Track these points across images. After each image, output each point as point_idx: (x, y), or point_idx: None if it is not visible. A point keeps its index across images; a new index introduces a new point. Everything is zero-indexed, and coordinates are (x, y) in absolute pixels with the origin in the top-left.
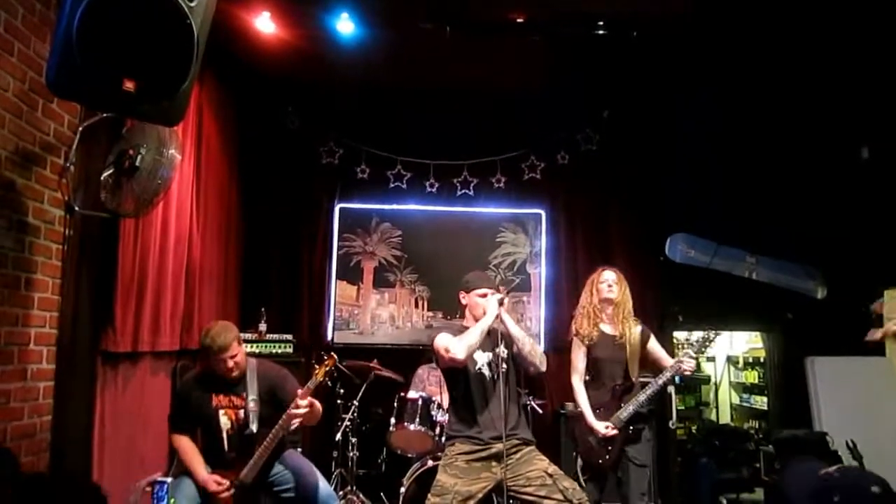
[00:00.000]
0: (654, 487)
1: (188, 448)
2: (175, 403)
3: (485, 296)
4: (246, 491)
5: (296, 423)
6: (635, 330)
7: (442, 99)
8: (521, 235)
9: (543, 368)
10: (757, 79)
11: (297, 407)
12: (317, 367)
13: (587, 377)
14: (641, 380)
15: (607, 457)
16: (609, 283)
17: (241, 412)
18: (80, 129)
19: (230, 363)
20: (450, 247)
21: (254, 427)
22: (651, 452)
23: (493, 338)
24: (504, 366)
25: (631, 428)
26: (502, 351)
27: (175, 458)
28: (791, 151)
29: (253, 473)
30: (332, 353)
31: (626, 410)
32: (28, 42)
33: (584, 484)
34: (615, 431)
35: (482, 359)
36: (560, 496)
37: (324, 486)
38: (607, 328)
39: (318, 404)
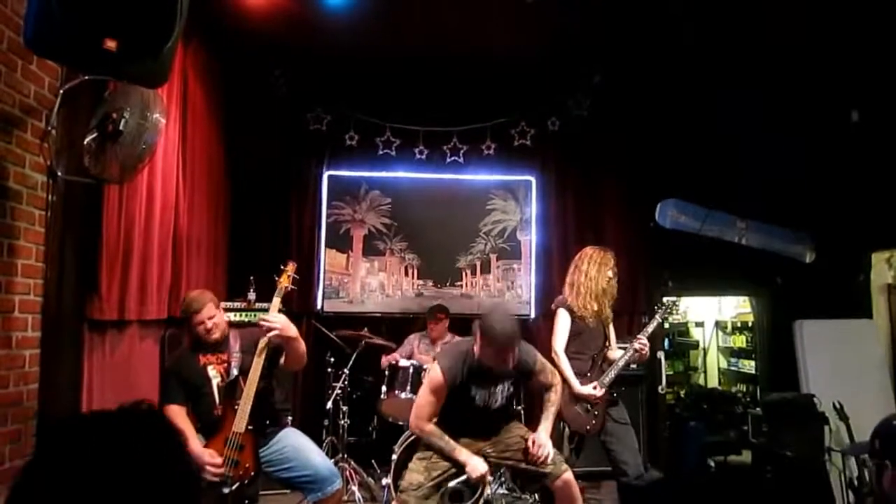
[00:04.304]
0: (642, 450)
1: (180, 420)
2: (165, 376)
3: None
4: (239, 444)
5: (271, 333)
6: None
7: (431, 65)
8: (512, 202)
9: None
10: (749, 42)
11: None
12: (277, 278)
13: (570, 348)
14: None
15: (594, 422)
16: (615, 270)
17: (227, 366)
18: (62, 91)
19: (209, 324)
20: (440, 214)
21: (234, 371)
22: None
23: (493, 374)
24: (500, 400)
25: (614, 392)
26: (504, 387)
27: None
28: (781, 115)
29: (244, 419)
30: (290, 261)
31: (609, 375)
32: (5, 0)
33: (570, 452)
34: (602, 392)
35: (478, 391)
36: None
37: (326, 464)
38: (595, 305)
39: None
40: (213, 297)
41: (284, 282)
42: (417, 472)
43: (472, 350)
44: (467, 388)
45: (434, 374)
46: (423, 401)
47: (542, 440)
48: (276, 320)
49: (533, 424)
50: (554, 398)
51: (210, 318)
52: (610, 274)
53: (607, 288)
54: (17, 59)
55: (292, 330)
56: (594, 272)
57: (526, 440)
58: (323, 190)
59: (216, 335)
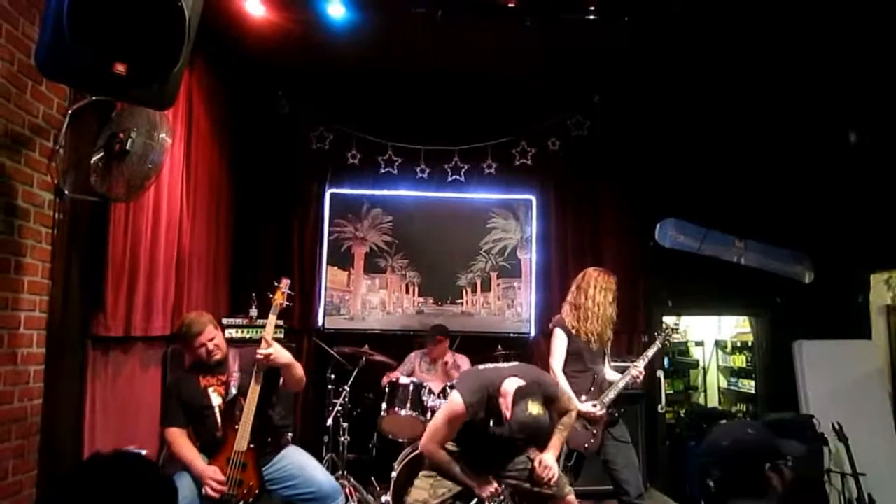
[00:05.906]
0: (642, 470)
1: (182, 442)
2: (166, 398)
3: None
4: (242, 463)
5: (264, 352)
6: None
7: (433, 84)
8: (512, 221)
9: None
10: (747, 63)
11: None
12: (272, 295)
13: (569, 367)
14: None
15: (592, 440)
16: (615, 295)
17: (227, 386)
18: (70, 111)
19: (210, 346)
20: (441, 233)
21: (233, 390)
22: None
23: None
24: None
25: (614, 412)
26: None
27: (164, 449)
28: (780, 136)
29: (245, 438)
30: (284, 277)
31: (609, 395)
32: (16, 23)
33: (568, 471)
34: (602, 411)
35: (497, 427)
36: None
37: (329, 481)
38: (598, 328)
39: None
40: (211, 319)
41: (279, 299)
42: (423, 490)
43: (497, 390)
44: (486, 423)
45: (455, 404)
46: (439, 426)
47: (548, 462)
48: (267, 350)
49: None
50: (567, 422)
51: (211, 339)
52: (610, 298)
53: (611, 313)
54: (26, 80)
55: (284, 357)
56: (599, 298)
57: (532, 460)
58: (325, 208)
59: (218, 356)
